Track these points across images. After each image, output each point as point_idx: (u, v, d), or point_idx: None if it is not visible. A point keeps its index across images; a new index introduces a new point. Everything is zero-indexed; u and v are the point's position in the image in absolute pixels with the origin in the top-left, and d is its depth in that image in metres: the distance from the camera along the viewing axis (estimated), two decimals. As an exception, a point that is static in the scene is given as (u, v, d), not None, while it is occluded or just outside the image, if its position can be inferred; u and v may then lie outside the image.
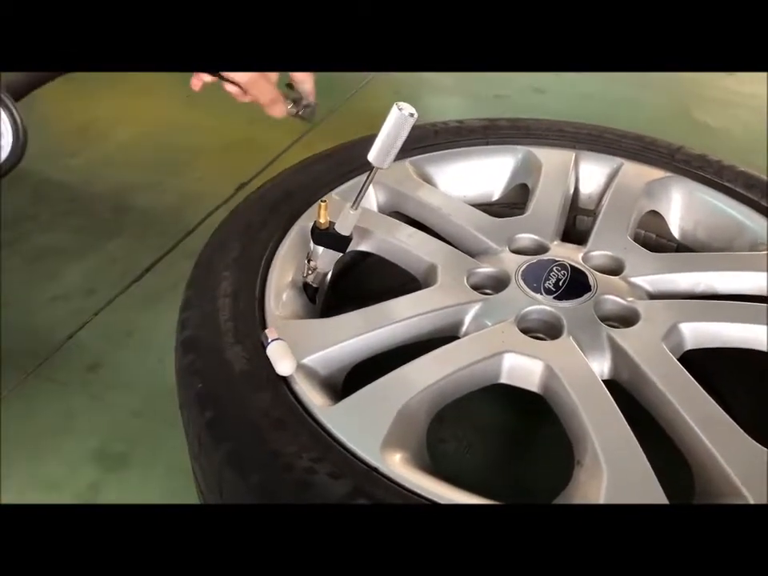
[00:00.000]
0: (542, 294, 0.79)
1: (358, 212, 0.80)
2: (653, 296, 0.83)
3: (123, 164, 1.61)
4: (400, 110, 0.72)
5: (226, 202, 1.44)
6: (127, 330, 1.17)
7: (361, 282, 0.98)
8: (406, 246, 0.88)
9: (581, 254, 0.87)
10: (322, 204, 0.80)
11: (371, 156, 0.75)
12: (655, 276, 0.84)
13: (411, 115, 0.72)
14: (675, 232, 0.99)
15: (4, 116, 0.61)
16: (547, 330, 0.77)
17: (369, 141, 0.74)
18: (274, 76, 0.87)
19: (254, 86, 0.85)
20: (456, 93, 1.99)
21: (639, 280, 0.84)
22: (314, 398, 0.68)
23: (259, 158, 1.58)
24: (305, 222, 0.89)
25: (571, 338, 0.75)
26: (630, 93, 1.93)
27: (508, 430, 0.99)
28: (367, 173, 0.77)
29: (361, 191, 0.78)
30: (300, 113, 0.93)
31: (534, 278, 0.81)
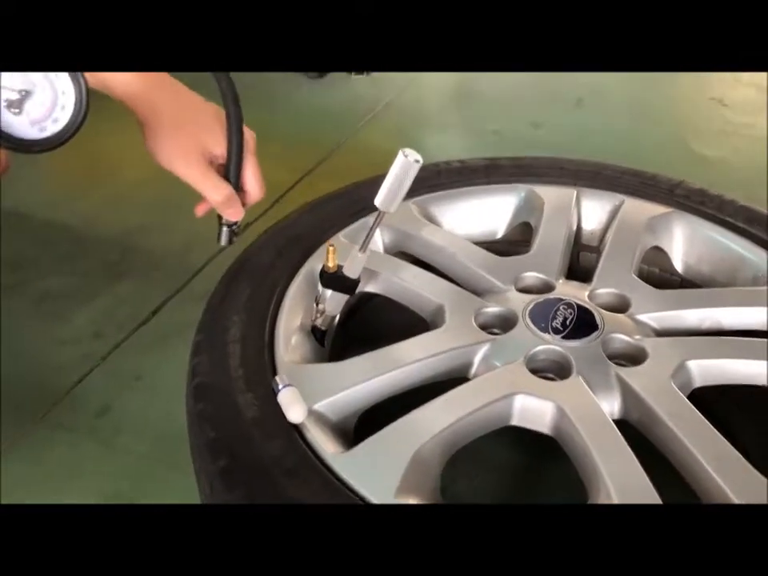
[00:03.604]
0: (549, 333, 0.80)
1: (365, 255, 0.81)
2: (659, 333, 0.84)
3: (129, 205, 1.62)
4: (405, 156, 0.73)
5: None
6: (135, 374, 1.17)
7: (368, 322, 0.99)
8: (413, 286, 0.88)
9: (586, 292, 0.88)
10: (331, 248, 0.81)
11: (378, 201, 0.76)
12: (661, 313, 0.85)
13: (416, 161, 0.73)
14: (678, 267, 1.00)
15: (71, 87, 0.63)
16: (557, 370, 0.77)
17: (374, 182, 0.75)
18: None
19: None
20: (455, 128, 2.02)
21: (645, 317, 0.84)
22: (325, 445, 0.68)
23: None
24: (312, 265, 0.90)
25: (581, 377, 0.75)
26: (626, 125, 1.96)
27: (519, 471, 0.99)
28: (374, 216, 0.79)
29: (368, 235, 0.79)
30: (230, 229, 0.88)
31: (542, 318, 0.82)
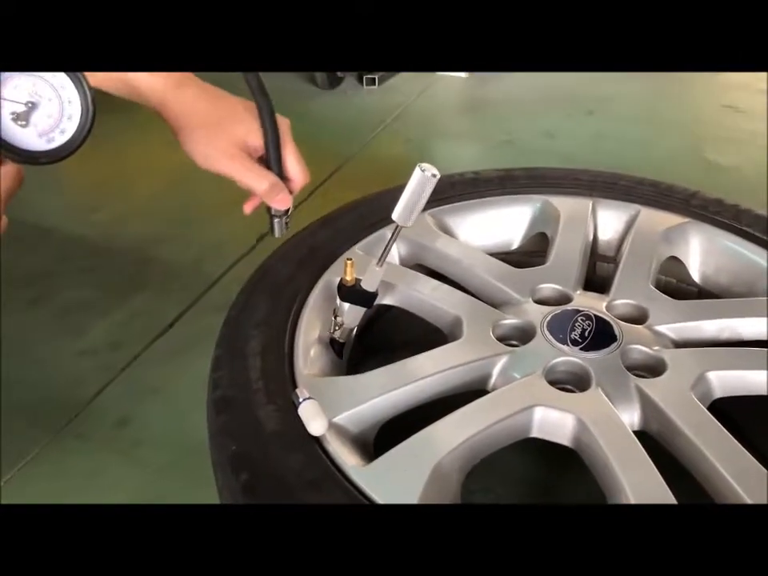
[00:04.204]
0: (568, 345, 0.80)
1: (383, 268, 0.81)
2: (678, 344, 0.84)
3: (146, 217, 1.64)
4: (422, 171, 0.74)
5: (248, 253, 1.46)
6: (154, 385, 1.18)
7: (386, 334, 0.99)
8: (431, 299, 0.89)
9: (604, 303, 0.88)
10: (349, 262, 0.81)
11: (395, 215, 0.76)
12: (680, 324, 0.85)
13: (433, 176, 0.74)
14: (696, 277, 1.00)
15: (76, 96, 0.64)
16: (576, 382, 0.77)
17: (389, 193, 0.76)
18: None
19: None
20: (467, 137, 2.02)
21: (664, 328, 0.84)
22: (346, 457, 0.68)
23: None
24: (330, 277, 0.90)
25: (600, 389, 0.75)
26: (640, 134, 1.96)
27: (537, 482, 0.99)
28: (392, 230, 0.79)
29: (386, 248, 0.80)
30: (282, 219, 0.87)
31: (560, 329, 0.82)
